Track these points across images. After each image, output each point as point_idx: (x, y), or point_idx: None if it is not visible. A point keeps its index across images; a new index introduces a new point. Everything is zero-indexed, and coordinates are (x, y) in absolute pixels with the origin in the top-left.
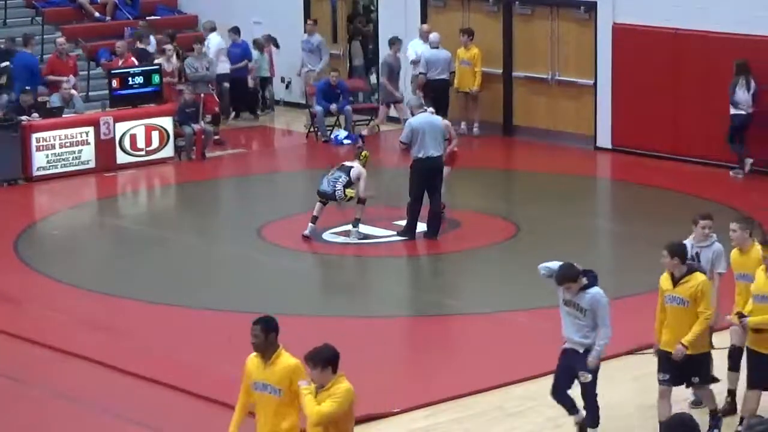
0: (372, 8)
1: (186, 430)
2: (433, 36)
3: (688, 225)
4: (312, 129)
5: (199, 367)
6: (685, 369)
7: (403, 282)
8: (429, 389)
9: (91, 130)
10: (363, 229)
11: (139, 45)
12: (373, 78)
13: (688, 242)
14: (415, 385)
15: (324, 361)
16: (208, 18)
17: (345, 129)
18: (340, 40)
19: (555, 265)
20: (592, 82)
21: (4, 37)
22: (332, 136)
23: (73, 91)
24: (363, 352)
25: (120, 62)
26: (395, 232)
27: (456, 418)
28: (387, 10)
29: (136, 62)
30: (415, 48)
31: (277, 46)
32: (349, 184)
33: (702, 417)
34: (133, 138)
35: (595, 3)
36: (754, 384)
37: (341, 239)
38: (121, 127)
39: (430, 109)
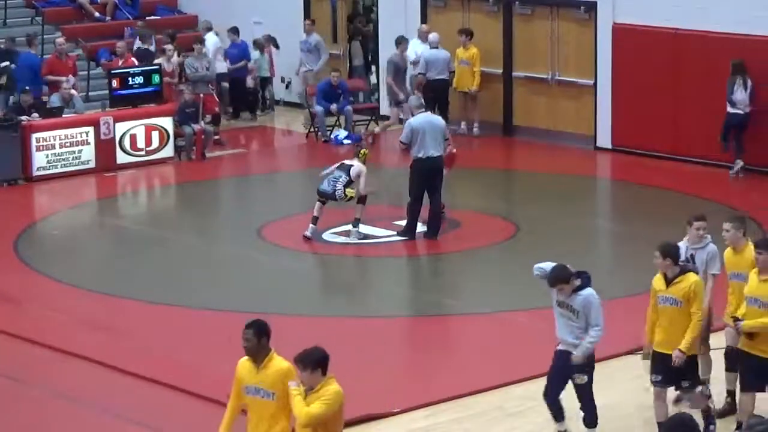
0: (372, 8)
1: (186, 430)
2: (433, 36)
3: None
4: (312, 129)
5: (199, 367)
6: (675, 371)
7: (403, 282)
8: (429, 389)
9: (91, 130)
10: (363, 229)
11: (143, 45)
12: (373, 78)
13: (682, 244)
14: (415, 385)
15: (314, 362)
16: (208, 18)
17: (345, 129)
18: (340, 40)
19: (549, 266)
20: (592, 82)
21: (4, 37)
22: (332, 136)
23: (73, 91)
24: (363, 352)
25: (120, 62)
26: (395, 232)
27: (456, 418)
28: (387, 10)
29: (137, 62)
30: (414, 48)
31: (276, 46)
32: (349, 183)
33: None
34: (133, 138)
35: (595, 3)
36: (747, 386)
37: (341, 239)
38: (121, 127)
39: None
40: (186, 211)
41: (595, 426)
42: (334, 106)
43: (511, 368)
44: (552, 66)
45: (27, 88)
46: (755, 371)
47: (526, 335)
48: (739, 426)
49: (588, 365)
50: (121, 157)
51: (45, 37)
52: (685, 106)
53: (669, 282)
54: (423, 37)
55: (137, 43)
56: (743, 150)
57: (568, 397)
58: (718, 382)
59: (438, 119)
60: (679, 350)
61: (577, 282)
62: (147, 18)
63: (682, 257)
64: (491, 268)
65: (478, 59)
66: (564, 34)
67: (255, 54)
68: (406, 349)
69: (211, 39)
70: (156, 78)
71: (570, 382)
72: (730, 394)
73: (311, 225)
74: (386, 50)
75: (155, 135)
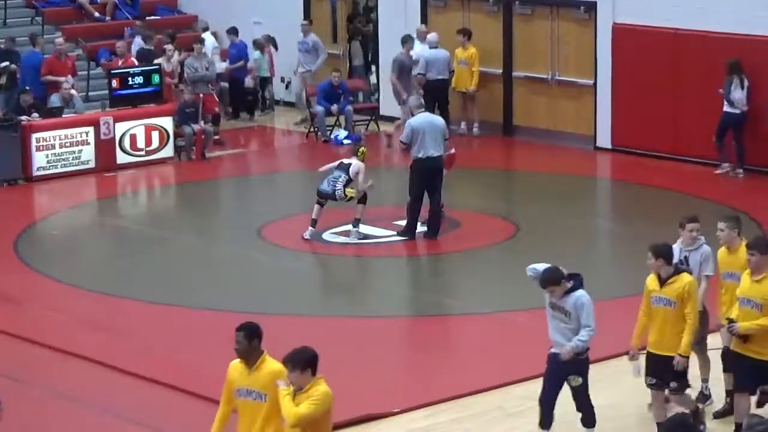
0: (372, 8)
1: (186, 430)
2: (432, 36)
3: None
4: (312, 129)
5: (199, 367)
6: (667, 372)
7: (403, 282)
8: (429, 389)
9: (91, 130)
10: (363, 229)
11: (146, 46)
12: (373, 78)
13: (676, 246)
14: (415, 385)
15: (303, 363)
16: (209, 18)
17: (345, 129)
18: (340, 40)
19: (542, 267)
20: (592, 82)
21: (4, 37)
22: (332, 136)
23: (73, 91)
24: (363, 352)
25: (120, 62)
26: (395, 232)
27: (456, 418)
28: (387, 10)
29: (140, 63)
30: (413, 48)
31: (275, 47)
32: (348, 182)
33: None
34: (133, 138)
35: (595, 3)
36: (741, 388)
37: (341, 239)
38: (121, 127)
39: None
40: (186, 211)
41: (594, 426)
42: (335, 107)
43: (511, 368)
44: (552, 66)
45: (27, 88)
46: (748, 372)
47: (526, 335)
48: (737, 428)
49: (582, 367)
50: (121, 157)
51: (45, 37)
52: (685, 106)
53: (663, 282)
54: (422, 37)
55: (140, 44)
56: (744, 150)
57: (565, 399)
58: (719, 382)
59: (438, 119)
60: (679, 355)
61: (569, 284)
62: (147, 18)
63: (676, 259)
64: (491, 268)
65: (477, 59)
66: (564, 34)
67: (255, 54)
68: (406, 349)
69: (208, 39)
70: (156, 78)
71: (566, 384)
72: (729, 394)
73: (310, 227)
74: (386, 50)
75: (155, 135)
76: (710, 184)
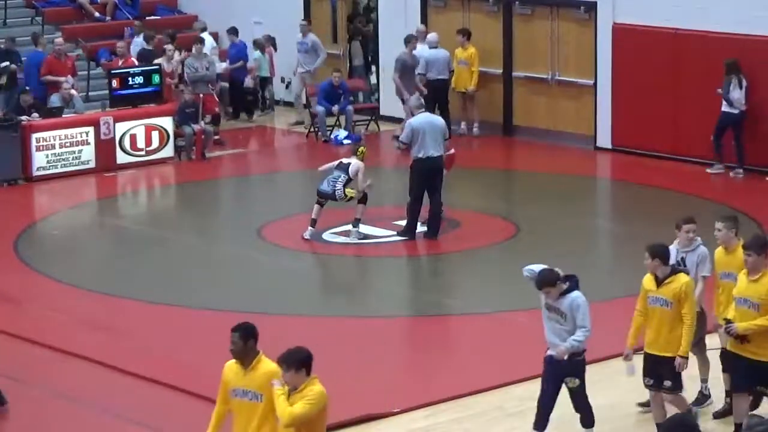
0: (372, 7)
1: (186, 430)
2: (432, 36)
3: None
4: (312, 129)
5: (199, 367)
6: (662, 372)
7: (403, 282)
8: (429, 389)
9: (91, 130)
10: (363, 229)
11: (148, 46)
12: (373, 78)
13: (673, 248)
14: (415, 385)
15: (297, 362)
16: (209, 18)
17: (345, 129)
18: (340, 40)
19: (539, 268)
20: (592, 82)
21: (4, 37)
22: (332, 136)
23: (73, 91)
24: (363, 352)
25: (120, 62)
26: (395, 232)
27: (456, 418)
28: (387, 10)
29: (138, 63)
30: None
31: (274, 47)
32: (348, 182)
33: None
34: (133, 138)
35: (595, 3)
36: (738, 388)
37: (341, 239)
38: (121, 127)
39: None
40: (186, 211)
41: (593, 426)
42: (336, 107)
43: (511, 368)
44: (552, 66)
45: (27, 88)
46: (744, 373)
47: (526, 335)
48: (737, 428)
49: (579, 368)
50: (121, 157)
51: (45, 37)
52: (685, 106)
53: (660, 282)
54: (421, 37)
55: (142, 44)
56: (743, 150)
57: (563, 400)
58: (719, 383)
59: (438, 119)
60: (679, 356)
61: (565, 285)
62: (147, 18)
63: (673, 260)
64: (491, 268)
65: (476, 59)
66: (564, 34)
67: (255, 54)
68: (406, 349)
69: (206, 40)
70: (156, 78)
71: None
72: (729, 394)
73: (310, 227)
74: (386, 50)
75: (155, 135)
76: (710, 184)
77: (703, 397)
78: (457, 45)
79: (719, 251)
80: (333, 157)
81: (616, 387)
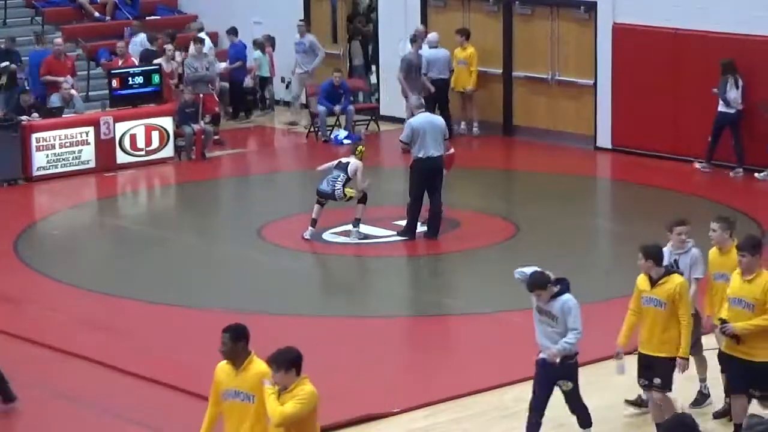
0: (372, 7)
1: (186, 430)
2: (432, 36)
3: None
4: (312, 129)
5: (199, 367)
6: (652, 371)
7: (403, 282)
8: (429, 389)
9: (91, 130)
10: (363, 229)
11: (151, 47)
12: (373, 78)
13: (666, 250)
14: (415, 385)
15: (287, 363)
16: (209, 18)
17: (345, 129)
18: (340, 40)
19: (530, 270)
20: (592, 82)
21: (4, 37)
22: (332, 136)
23: (73, 91)
24: (363, 352)
25: (120, 62)
26: (395, 232)
27: (455, 418)
28: (387, 10)
29: (137, 62)
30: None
31: (273, 47)
32: (347, 182)
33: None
34: (133, 138)
35: (595, 3)
36: (734, 389)
37: (341, 239)
38: (121, 127)
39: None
40: (186, 211)
41: (590, 426)
42: (338, 107)
43: (511, 368)
44: (552, 66)
45: (27, 88)
46: (738, 373)
47: (525, 335)
48: (737, 429)
49: (571, 371)
50: (121, 157)
51: (45, 36)
52: (685, 106)
53: (654, 283)
54: (420, 37)
55: (140, 44)
56: (743, 150)
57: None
58: (718, 383)
59: (438, 119)
60: (680, 358)
61: (556, 288)
62: (147, 18)
63: (666, 262)
64: (491, 268)
65: (475, 59)
66: (564, 34)
67: (255, 53)
68: (406, 349)
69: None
70: (156, 78)
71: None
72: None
73: (310, 227)
74: (386, 50)
75: (155, 135)
76: (710, 184)
77: (703, 397)
78: (457, 45)
79: (713, 252)
80: (333, 157)
81: (615, 387)
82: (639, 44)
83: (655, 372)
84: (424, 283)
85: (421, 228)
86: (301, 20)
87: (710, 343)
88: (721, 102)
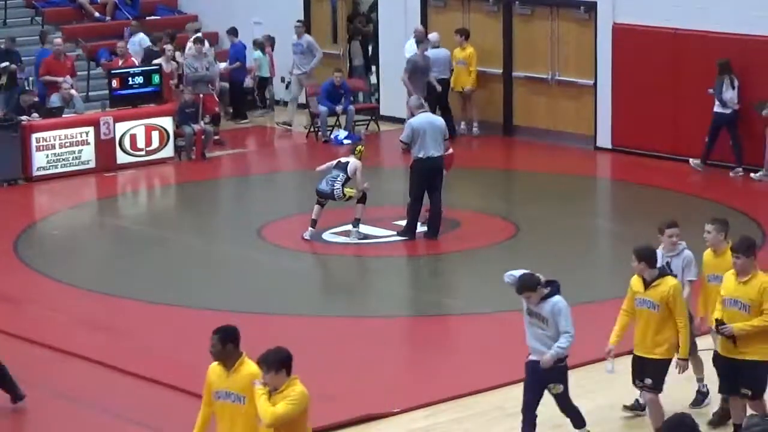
0: (373, 8)
1: (186, 430)
2: (433, 36)
3: (689, 225)
4: (312, 129)
5: (199, 367)
6: (644, 372)
7: (403, 282)
8: (429, 389)
9: (91, 130)
10: (363, 229)
11: (154, 47)
12: (373, 78)
13: (658, 252)
14: (415, 385)
15: (278, 363)
16: (209, 18)
17: (345, 129)
18: (340, 40)
19: (519, 273)
20: (592, 82)
21: (4, 37)
22: (332, 136)
23: (73, 91)
24: (363, 352)
25: (120, 62)
26: (395, 232)
27: (456, 418)
28: (387, 10)
29: (136, 62)
30: (410, 49)
31: (272, 47)
32: (347, 181)
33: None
34: (133, 138)
35: (595, 3)
36: (730, 390)
37: (341, 239)
38: (121, 127)
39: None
40: (186, 211)
41: (584, 426)
42: (339, 107)
43: (511, 368)
44: (552, 66)
45: (27, 88)
46: (731, 373)
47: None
48: (736, 429)
49: (561, 374)
50: (121, 157)
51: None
52: (685, 106)
53: (647, 285)
54: (419, 37)
55: (139, 44)
56: (741, 150)
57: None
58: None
59: (438, 119)
60: (679, 359)
61: (546, 290)
62: (147, 18)
63: (659, 264)
64: (491, 268)
65: (475, 59)
66: (564, 34)
67: (255, 53)
68: (406, 349)
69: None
70: (156, 78)
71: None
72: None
73: (310, 228)
74: (386, 50)
75: (155, 135)
76: (710, 184)
77: (701, 396)
78: (456, 45)
79: (708, 253)
80: (333, 158)
81: (614, 387)
82: (639, 44)
83: (647, 372)
84: (424, 283)
85: (421, 228)
86: (298, 21)
87: (708, 344)
88: (716, 102)
